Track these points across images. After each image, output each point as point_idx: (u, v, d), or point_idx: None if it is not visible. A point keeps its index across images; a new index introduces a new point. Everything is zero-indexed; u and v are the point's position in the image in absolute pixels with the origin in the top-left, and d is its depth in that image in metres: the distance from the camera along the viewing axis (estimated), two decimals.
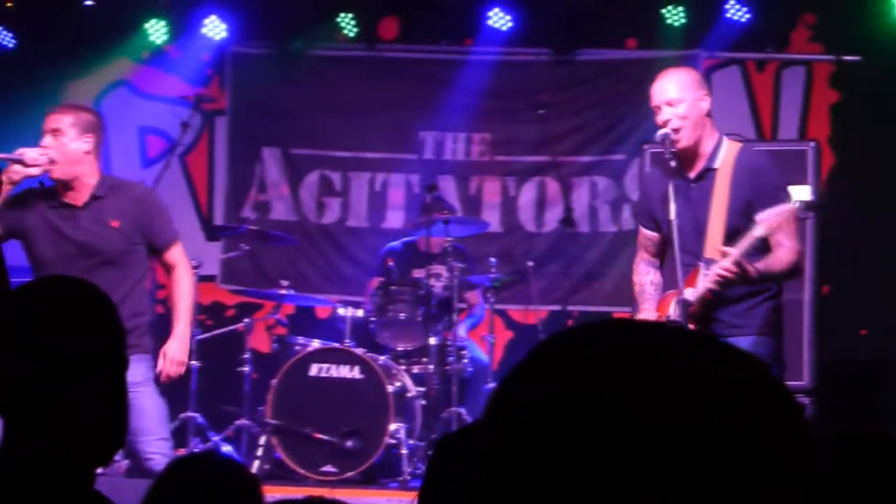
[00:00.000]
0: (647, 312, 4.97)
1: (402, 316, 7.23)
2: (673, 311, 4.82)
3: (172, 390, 5.42)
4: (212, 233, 8.95)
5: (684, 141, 4.84)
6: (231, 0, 8.99)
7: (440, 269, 7.49)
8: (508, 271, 8.04)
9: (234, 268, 8.89)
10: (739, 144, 4.97)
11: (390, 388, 6.89)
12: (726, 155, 4.87)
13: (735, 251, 4.56)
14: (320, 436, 6.85)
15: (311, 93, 9.19)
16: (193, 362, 6.99)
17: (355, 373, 6.96)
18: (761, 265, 4.63)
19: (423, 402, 7.14)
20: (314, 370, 6.98)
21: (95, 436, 2.05)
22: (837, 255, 7.40)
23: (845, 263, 7.89)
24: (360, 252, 9.03)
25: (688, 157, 4.89)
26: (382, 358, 7.17)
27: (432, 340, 7.24)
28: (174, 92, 8.83)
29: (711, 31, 8.75)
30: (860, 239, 8.20)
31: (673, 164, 4.85)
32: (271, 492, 4.38)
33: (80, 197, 5.25)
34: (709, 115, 4.92)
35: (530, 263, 7.93)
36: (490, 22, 8.91)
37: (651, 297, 5.01)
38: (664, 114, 4.86)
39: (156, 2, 8.99)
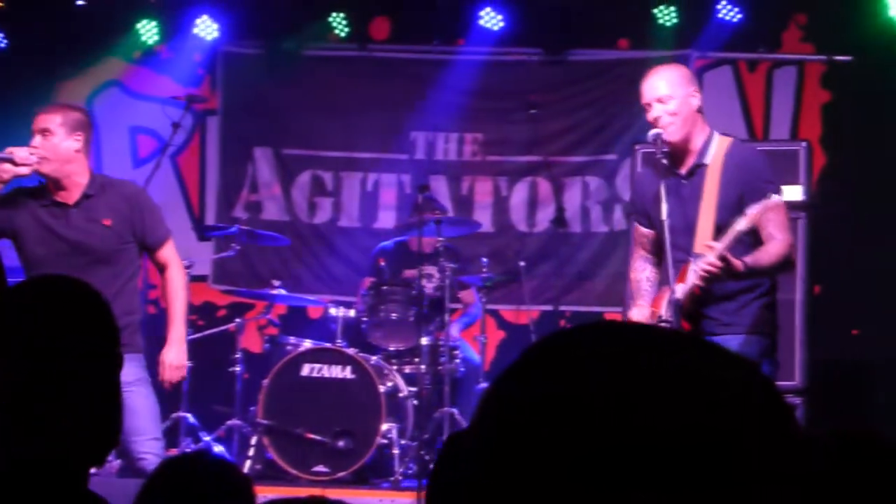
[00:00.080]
0: (641, 308, 4.96)
1: (393, 316, 7.24)
2: (664, 310, 4.81)
3: (164, 390, 5.41)
4: (203, 233, 8.94)
5: (674, 136, 4.83)
6: (222, 0, 8.99)
7: (432, 269, 7.49)
8: (500, 271, 8.05)
9: (225, 268, 8.89)
10: (730, 139, 4.95)
11: (382, 389, 6.89)
12: (717, 150, 4.85)
13: (719, 245, 4.54)
14: (312, 436, 6.85)
15: (303, 93, 9.19)
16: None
17: (347, 373, 6.96)
18: (749, 259, 4.59)
19: (415, 402, 7.14)
20: (306, 370, 6.98)
21: (94, 435, 2.05)
22: (829, 255, 7.42)
23: (837, 263, 7.91)
24: (351, 252, 9.03)
25: (679, 153, 4.88)
26: (374, 358, 7.17)
27: (424, 340, 7.24)
28: (166, 92, 8.81)
29: (703, 32, 8.77)
30: (852, 239, 8.22)
31: (664, 162, 4.85)
32: (263, 492, 4.37)
33: (71, 195, 5.24)
34: (699, 111, 4.91)
35: (522, 263, 7.95)
36: (482, 22, 8.92)
37: (646, 293, 5.00)
38: (654, 111, 4.85)
39: (147, 2, 8.99)
